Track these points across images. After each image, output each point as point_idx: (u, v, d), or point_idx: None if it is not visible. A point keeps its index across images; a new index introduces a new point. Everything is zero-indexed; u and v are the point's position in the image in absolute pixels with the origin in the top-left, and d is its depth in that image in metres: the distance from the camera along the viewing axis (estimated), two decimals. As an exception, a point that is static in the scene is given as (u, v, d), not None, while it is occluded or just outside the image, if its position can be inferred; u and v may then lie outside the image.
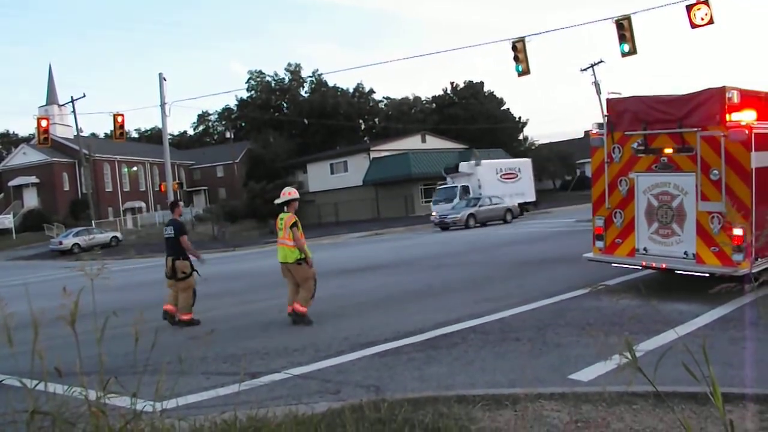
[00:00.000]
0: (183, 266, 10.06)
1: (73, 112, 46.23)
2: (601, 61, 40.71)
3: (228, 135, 73.05)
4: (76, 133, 52.11)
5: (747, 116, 8.43)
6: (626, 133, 9.73)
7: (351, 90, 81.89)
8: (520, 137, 73.54)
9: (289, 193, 9.86)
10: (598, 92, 39.19)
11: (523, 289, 10.82)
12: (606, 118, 10.15)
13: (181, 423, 3.90)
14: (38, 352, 2.91)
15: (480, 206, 33.94)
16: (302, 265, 9.39)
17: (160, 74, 33.57)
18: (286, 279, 9.72)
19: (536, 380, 5.66)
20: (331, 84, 79.53)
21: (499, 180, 39.42)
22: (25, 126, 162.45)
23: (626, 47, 19.28)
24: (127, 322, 3.24)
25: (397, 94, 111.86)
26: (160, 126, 39.72)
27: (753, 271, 8.16)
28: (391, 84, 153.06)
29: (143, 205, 69.38)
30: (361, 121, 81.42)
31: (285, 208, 9.71)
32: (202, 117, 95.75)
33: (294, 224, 9.40)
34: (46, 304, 3.09)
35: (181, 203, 11.21)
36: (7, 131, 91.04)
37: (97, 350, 3.00)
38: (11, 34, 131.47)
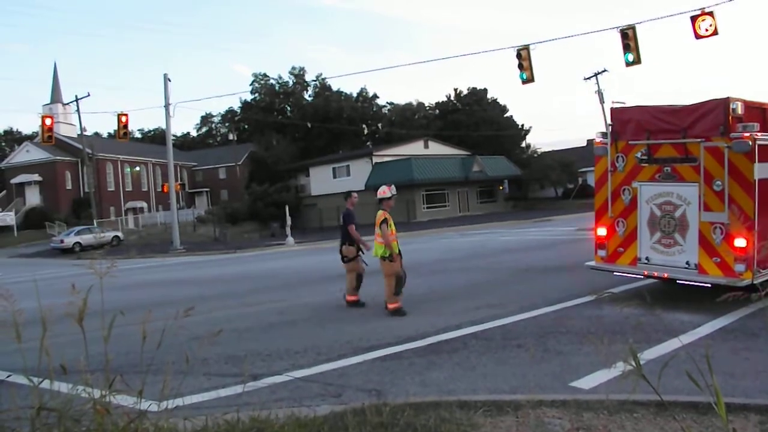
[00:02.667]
0: (347, 251, 10.94)
1: (77, 111, 46.32)
2: (605, 70, 41.01)
3: (231, 137, 73.16)
4: (79, 132, 52.19)
5: (751, 127, 8.45)
6: (630, 142, 9.75)
7: (354, 94, 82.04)
8: (523, 144, 73.55)
9: (383, 192, 10.41)
10: (602, 101, 39.44)
11: (524, 296, 10.82)
12: (610, 127, 10.17)
13: (185, 423, 3.92)
14: (45, 348, 2.93)
15: None
16: (386, 261, 9.98)
17: (165, 75, 33.73)
18: None
19: (538, 387, 5.67)
20: (334, 88, 79.77)
21: None
22: (28, 124, 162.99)
23: (630, 57, 19.33)
24: (130, 321, 3.26)
25: (401, 100, 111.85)
26: (163, 127, 39.81)
27: (755, 281, 8.18)
28: (394, 89, 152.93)
29: (145, 205, 69.40)
30: (364, 125, 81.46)
31: (380, 204, 10.27)
32: (206, 118, 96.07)
33: (383, 221, 9.99)
34: (52, 301, 3.11)
35: (355, 194, 11.77)
36: (11, 129, 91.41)
37: (100, 348, 3.02)
38: (17, 31, 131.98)
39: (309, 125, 65.67)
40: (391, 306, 9.98)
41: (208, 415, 4.43)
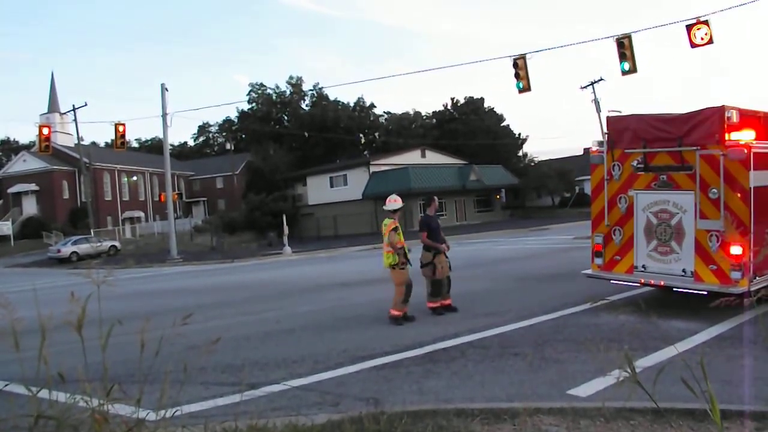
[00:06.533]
0: (422, 256, 10.70)
1: (75, 120, 46.36)
2: (601, 79, 41.11)
3: (228, 147, 73.24)
4: (76, 142, 52.19)
5: (746, 135, 8.49)
6: (626, 150, 9.79)
7: (352, 104, 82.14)
8: (520, 153, 73.68)
9: (395, 200, 10.51)
10: (598, 110, 39.53)
11: (522, 305, 10.83)
12: (606, 135, 10.22)
13: (183, 431, 3.92)
14: (44, 357, 2.94)
15: None
16: (395, 269, 10.02)
17: (162, 85, 33.76)
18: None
19: (535, 395, 5.68)
20: (332, 98, 79.80)
21: None
22: (25, 133, 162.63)
23: (626, 65, 19.41)
24: (128, 330, 3.27)
25: (398, 109, 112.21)
26: (160, 136, 39.81)
27: (751, 289, 8.20)
28: (391, 99, 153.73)
29: (142, 214, 69.37)
30: (361, 135, 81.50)
31: (391, 214, 10.33)
32: (203, 128, 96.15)
33: (394, 229, 10.12)
34: (50, 310, 3.12)
35: (435, 198, 11.36)
36: (8, 138, 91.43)
37: (98, 357, 3.02)
38: (14, 41, 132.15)
39: (306, 135, 65.71)
40: (395, 313, 9.92)
41: (206, 424, 4.42)
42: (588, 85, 40.95)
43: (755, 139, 8.58)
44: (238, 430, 4.21)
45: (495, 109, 74.57)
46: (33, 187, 61.45)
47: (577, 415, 4.87)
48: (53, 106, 64.74)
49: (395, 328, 9.52)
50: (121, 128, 28.89)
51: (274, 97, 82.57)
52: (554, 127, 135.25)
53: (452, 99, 75.93)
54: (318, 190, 59.17)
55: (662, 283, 9.41)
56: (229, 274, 24.14)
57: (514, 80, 21.11)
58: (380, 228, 10.22)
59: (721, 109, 8.64)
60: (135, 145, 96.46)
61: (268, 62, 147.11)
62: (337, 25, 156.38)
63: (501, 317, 9.85)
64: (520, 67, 20.93)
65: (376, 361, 7.47)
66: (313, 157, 71.13)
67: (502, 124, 73.14)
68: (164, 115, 33.66)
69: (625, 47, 19.33)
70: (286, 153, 69.99)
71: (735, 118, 8.67)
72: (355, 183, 54.38)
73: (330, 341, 8.88)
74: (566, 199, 61.95)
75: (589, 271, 10.58)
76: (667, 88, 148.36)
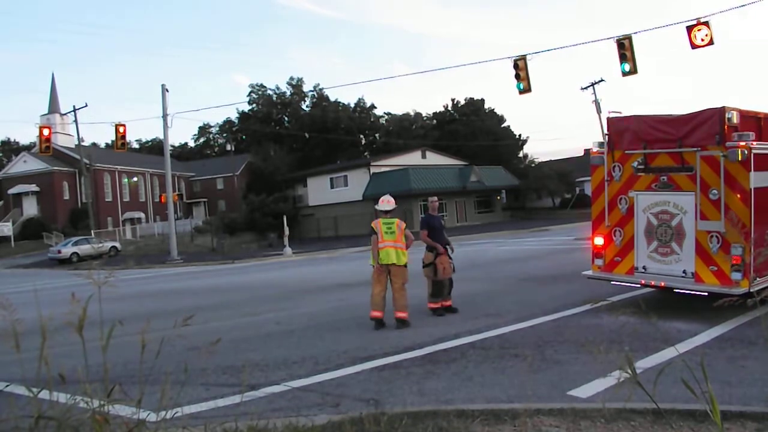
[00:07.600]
0: (425, 257, 10.74)
1: (75, 121, 46.35)
2: (602, 80, 41.22)
3: (228, 147, 73.30)
4: (77, 143, 52.21)
5: (746, 137, 8.49)
6: (626, 151, 9.79)
7: (352, 105, 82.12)
8: (520, 155, 73.68)
9: (389, 201, 10.35)
10: (599, 111, 39.63)
11: (522, 306, 10.83)
12: (606, 136, 10.22)
13: (184, 432, 3.92)
14: (44, 358, 2.94)
15: None
16: (407, 268, 9.96)
17: (163, 86, 33.79)
18: (376, 282, 9.94)
19: (535, 396, 5.67)
20: (332, 98, 79.80)
21: None
22: (26, 134, 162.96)
23: (627, 66, 19.43)
24: (128, 332, 3.27)
25: (398, 110, 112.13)
26: (161, 137, 39.85)
27: (751, 289, 8.20)
28: (392, 99, 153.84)
29: (142, 215, 69.34)
30: (361, 136, 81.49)
31: (388, 214, 10.17)
32: (203, 129, 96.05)
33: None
34: (50, 311, 3.12)
35: (435, 199, 11.44)
36: (8, 139, 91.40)
37: (99, 358, 3.02)
38: (14, 42, 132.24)
39: (306, 135, 65.74)
40: (405, 315, 9.78)
41: (206, 425, 4.42)
42: (588, 86, 41.08)
43: (755, 140, 8.58)
44: (239, 430, 4.21)
45: (495, 110, 74.67)
46: (33, 188, 61.42)
47: (578, 416, 4.87)
48: (54, 107, 64.65)
49: (395, 330, 9.50)
50: (121, 129, 28.91)
51: (274, 98, 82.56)
52: (555, 128, 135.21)
53: (453, 100, 76.06)
54: (318, 191, 59.20)
55: (663, 284, 9.41)
56: (230, 275, 24.14)
57: (515, 81, 21.13)
58: (387, 226, 9.96)
59: (721, 110, 8.65)
60: (135, 146, 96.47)
61: (268, 63, 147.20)
62: (338, 26, 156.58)
63: (501, 318, 9.85)
64: (520, 68, 20.94)
65: (377, 362, 7.47)
66: (314, 158, 71.16)
67: (502, 125, 73.15)
68: (165, 116, 33.69)
69: (625, 48, 19.34)
70: (286, 154, 70.04)
71: (735, 119, 8.68)
72: (355, 184, 54.40)
73: (330, 342, 8.88)
74: (567, 200, 61.99)
75: (589, 272, 10.58)
76: (668, 89, 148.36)
